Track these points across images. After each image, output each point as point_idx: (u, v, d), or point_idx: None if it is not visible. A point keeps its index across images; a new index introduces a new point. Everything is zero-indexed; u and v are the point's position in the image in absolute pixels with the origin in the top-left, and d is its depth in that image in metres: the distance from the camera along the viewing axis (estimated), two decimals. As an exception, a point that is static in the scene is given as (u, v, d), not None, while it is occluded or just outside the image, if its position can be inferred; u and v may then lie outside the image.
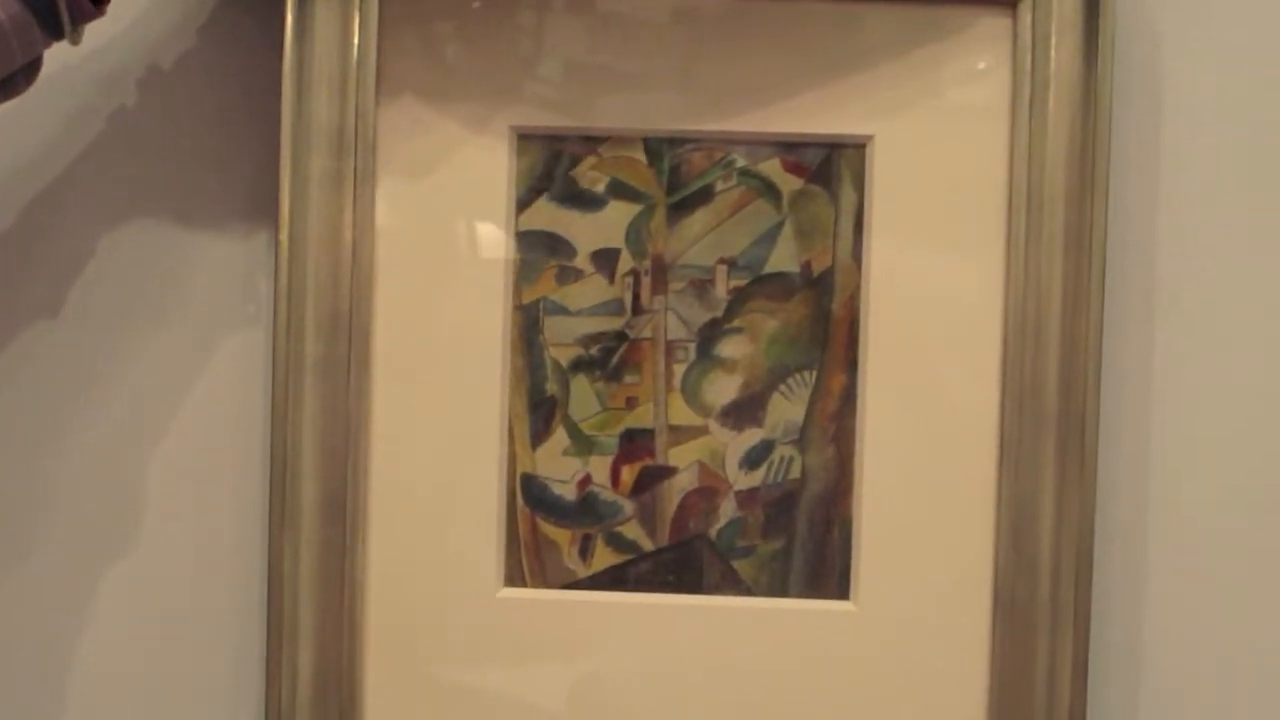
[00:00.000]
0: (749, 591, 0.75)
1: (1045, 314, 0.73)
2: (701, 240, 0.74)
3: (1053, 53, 0.72)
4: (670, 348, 0.74)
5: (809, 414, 0.75)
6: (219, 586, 0.76)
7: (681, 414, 0.75)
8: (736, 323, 0.75)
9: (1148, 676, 0.76)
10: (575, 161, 0.74)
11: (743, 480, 0.75)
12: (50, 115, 0.74)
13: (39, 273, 0.75)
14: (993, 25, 0.72)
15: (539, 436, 0.75)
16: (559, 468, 0.75)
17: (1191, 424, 0.76)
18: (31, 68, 0.62)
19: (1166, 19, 0.75)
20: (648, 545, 0.75)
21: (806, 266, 0.75)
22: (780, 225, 0.74)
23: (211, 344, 0.76)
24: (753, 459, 0.75)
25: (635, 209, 0.74)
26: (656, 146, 0.74)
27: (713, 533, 0.75)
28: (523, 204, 0.74)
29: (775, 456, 0.75)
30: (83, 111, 0.75)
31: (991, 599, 0.74)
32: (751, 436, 0.75)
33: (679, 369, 0.74)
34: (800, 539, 0.75)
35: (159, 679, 0.77)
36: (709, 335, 0.75)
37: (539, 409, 0.75)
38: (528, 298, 0.75)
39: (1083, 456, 0.72)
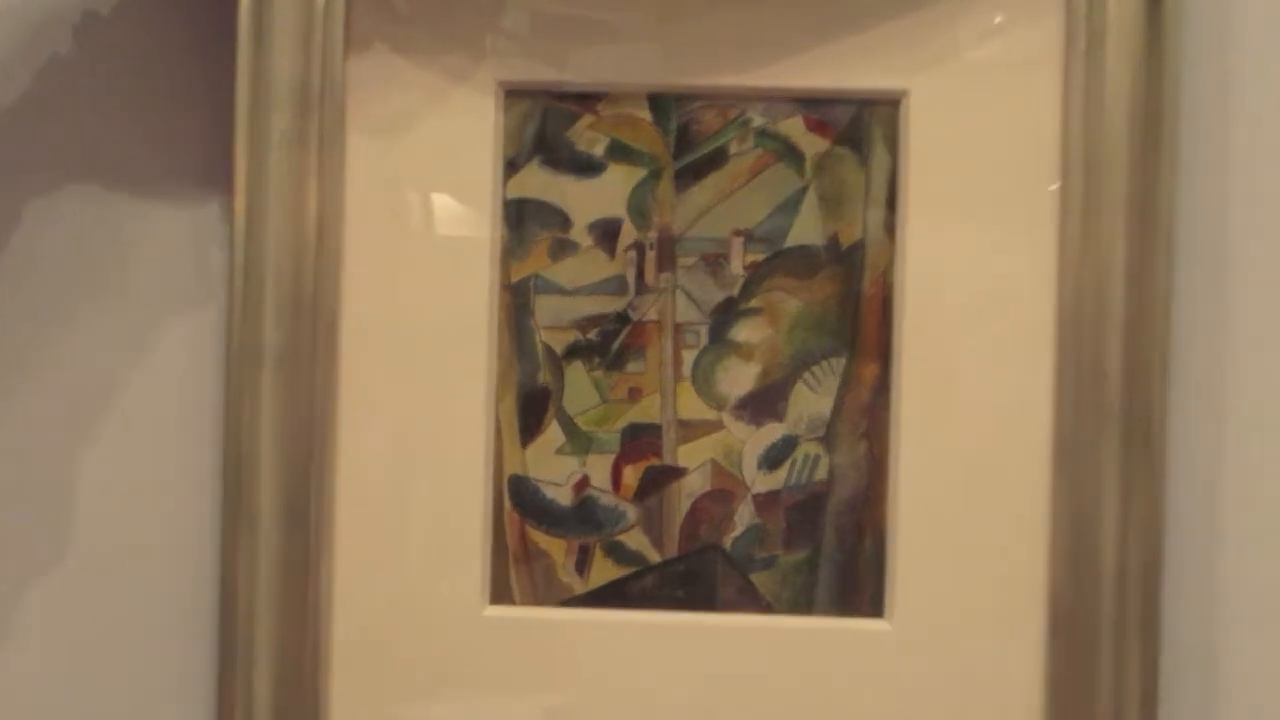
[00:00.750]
0: (769, 609, 0.74)
1: (1106, 293, 0.71)
2: (714, 209, 0.74)
3: (1112, -5, 0.71)
4: (679, 331, 0.74)
5: (837, 406, 0.74)
6: (163, 605, 0.75)
7: (692, 407, 0.74)
8: (754, 303, 0.74)
9: (1224, 706, 0.75)
10: (570, 120, 0.74)
11: (762, 482, 0.74)
12: (-30, 66, 0.75)
13: (-43, 246, 0.76)
14: (1044, -36, 0.73)
15: (529, 433, 0.74)
16: (552, 468, 0.74)
17: (1274, 418, 0.75)
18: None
19: (1241, -45, 0.74)
20: (653, 556, 0.74)
21: (833, 239, 0.74)
22: (803, 192, 0.73)
23: (155, 329, 0.75)
24: (773, 458, 0.74)
25: (639, 174, 0.74)
26: (663, 103, 0.73)
27: (727, 542, 0.74)
28: (511, 169, 0.74)
29: (798, 455, 0.74)
30: (8, 61, 0.74)
31: (1047, 619, 0.72)
32: (771, 432, 0.74)
33: (689, 355, 0.74)
34: (828, 549, 0.74)
35: (93, 712, 0.76)
36: (723, 317, 0.74)
37: (529, 402, 0.74)
38: (516, 275, 0.74)
39: (1150, 456, 0.71)
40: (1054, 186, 0.72)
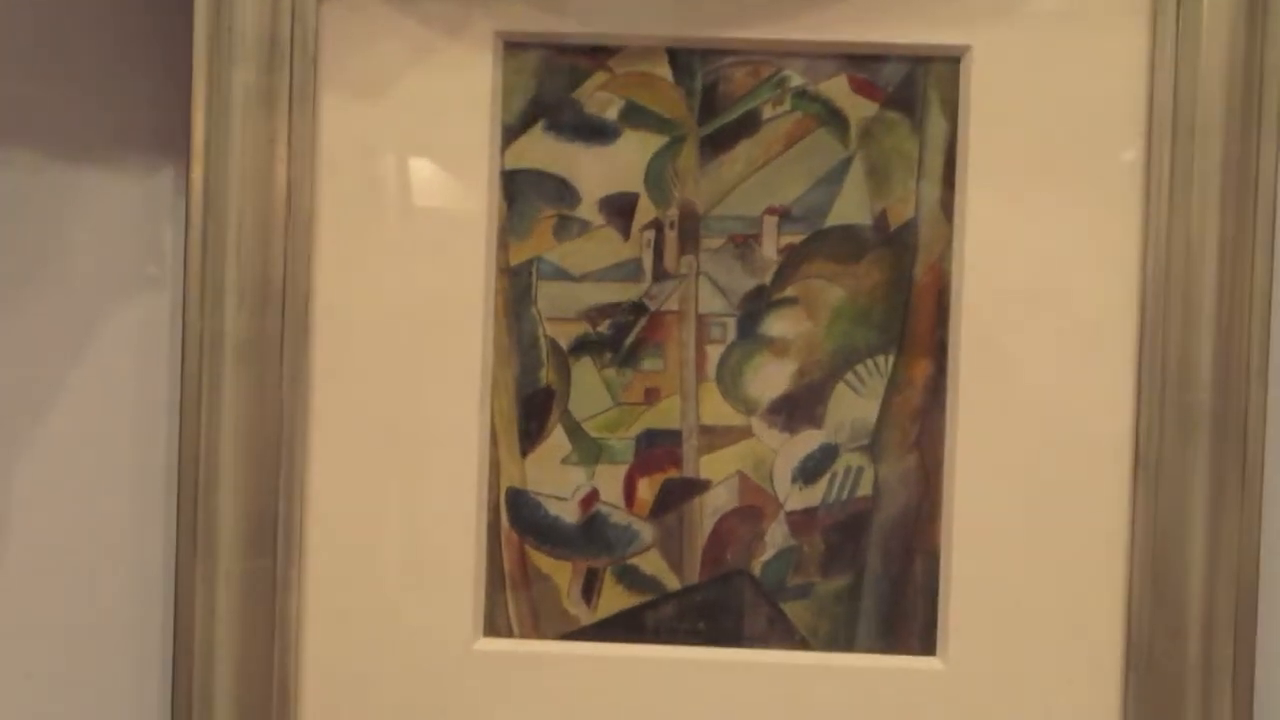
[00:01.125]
0: (805, 644, 0.72)
1: (1196, 282, 0.69)
2: (744, 183, 0.72)
3: (1209, -67, 0.70)
4: (703, 324, 0.72)
5: (883, 412, 0.72)
6: (109, 636, 0.74)
7: (717, 411, 0.72)
8: (789, 292, 0.72)
9: (1325, 759, 0.71)
10: (580, 79, 0.72)
11: (796, 498, 0.72)
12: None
13: (-121, 222, 0.74)
14: (1129, -103, 0.71)
15: (530, 440, 0.72)
16: (556, 480, 0.72)
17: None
18: None
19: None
20: (672, 583, 0.72)
21: (881, 218, 0.72)
22: (847, 164, 0.72)
23: (100, 317, 0.74)
24: (810, 470, 0.72)
25: (658, 142, 0.72)
26: (685, 60, 0.71)
27: (757, 566, 0.72)
28: (511, 135, 0.72)
29: (839, 467, 0.72)
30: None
31: (1123, 658, 0.70)
32: (808, 441, 0.72)
33: (714, 352, 0.72)
34: (872, 575, 0.72)
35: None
36: (753, 308, 0.72)
37: (530, 404, 0.72)
38: (517, 258, 0.72)
39: (1244, 471, 0.69)
40: (1130, 154, 0.69)
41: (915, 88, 0.71)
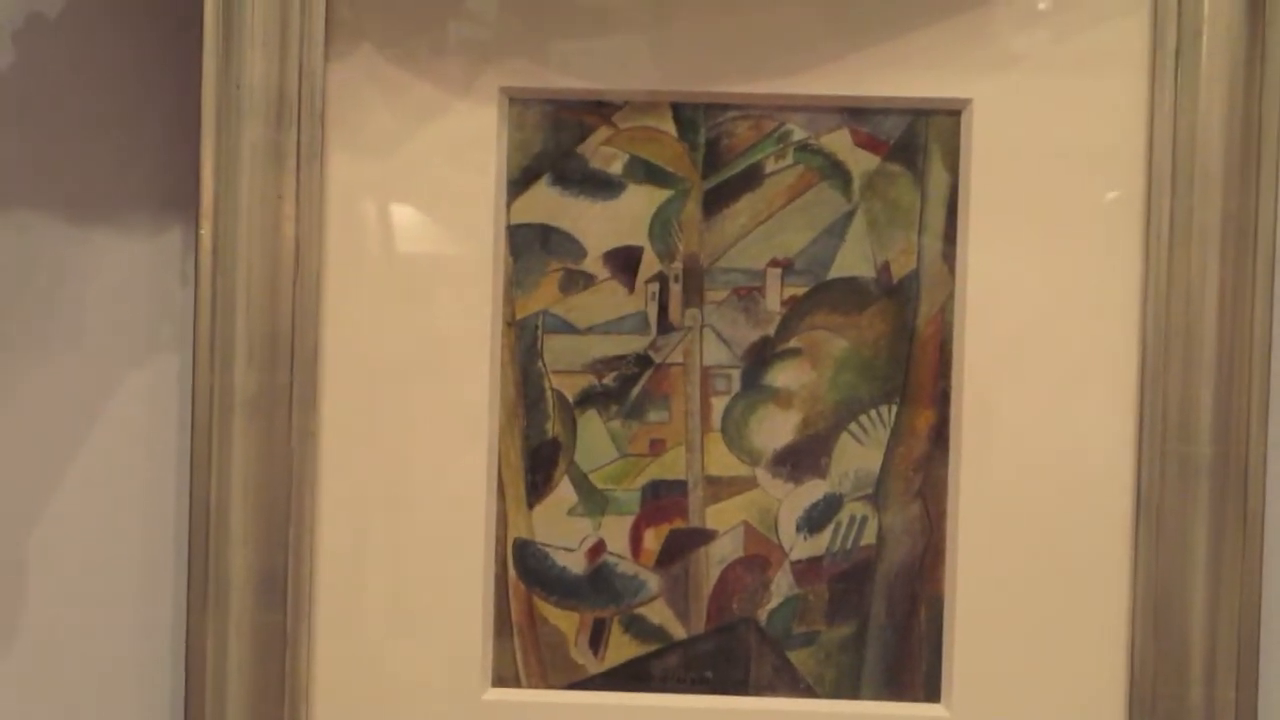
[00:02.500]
0: (810, 692, 0.72)
1: (1196, 331, 0.69)
2: (748, 236, 0.72)
3: (1206, -13, 0.70)
4: (707, 376, 0.72)
5: (887, 461, 0.72)
6: (121, 689, 0.74)
7: (722, 462, 0.72)
8: (793, 343, 0.72)
9: (1328, 808, 0.72)
10: (584, 134, 0.72)
11: (801, 547, 0.72)
12: (-96, 77, 0.73)
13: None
14: (1127, -48, 0.71)
15: (537, 491, 0.72)
16: (563, 531, 0.72)
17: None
18: None
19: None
20: (678, 632, 0.72)
21: (884, 270, 0.72)
22: (850, 216, 0.72)
23: (112, 375, 0.74)
24: (814, 520, 0.72)
25: (662, 195, 0.72)
26: (689, 114, 0.72)
27: (763, 615, 0.72)
28: (516, 189, 0.72)
29: (843, 516, 0.72)
30: (-57, 71, 0.73)
31: (1126, 704, 0.70)
32: (813, 491, 0.72)
33: (719, 403, 0.72)
34: (876, 624, 0.72)
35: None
36: (757, 359, 0.72)
37: (537, 456, 0.72)
38: (522, 311, 0.72)
39: (1245, 517, 0.69)
40: (1130, 204, 0.69)
41: (917, 140, 0.71)
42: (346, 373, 0.71)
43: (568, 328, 0.71)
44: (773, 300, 0.71)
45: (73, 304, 0.73)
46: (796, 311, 0.71)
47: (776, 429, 0.72)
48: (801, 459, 0.72)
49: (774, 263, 0.71)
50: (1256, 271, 0.68)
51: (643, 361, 0.72)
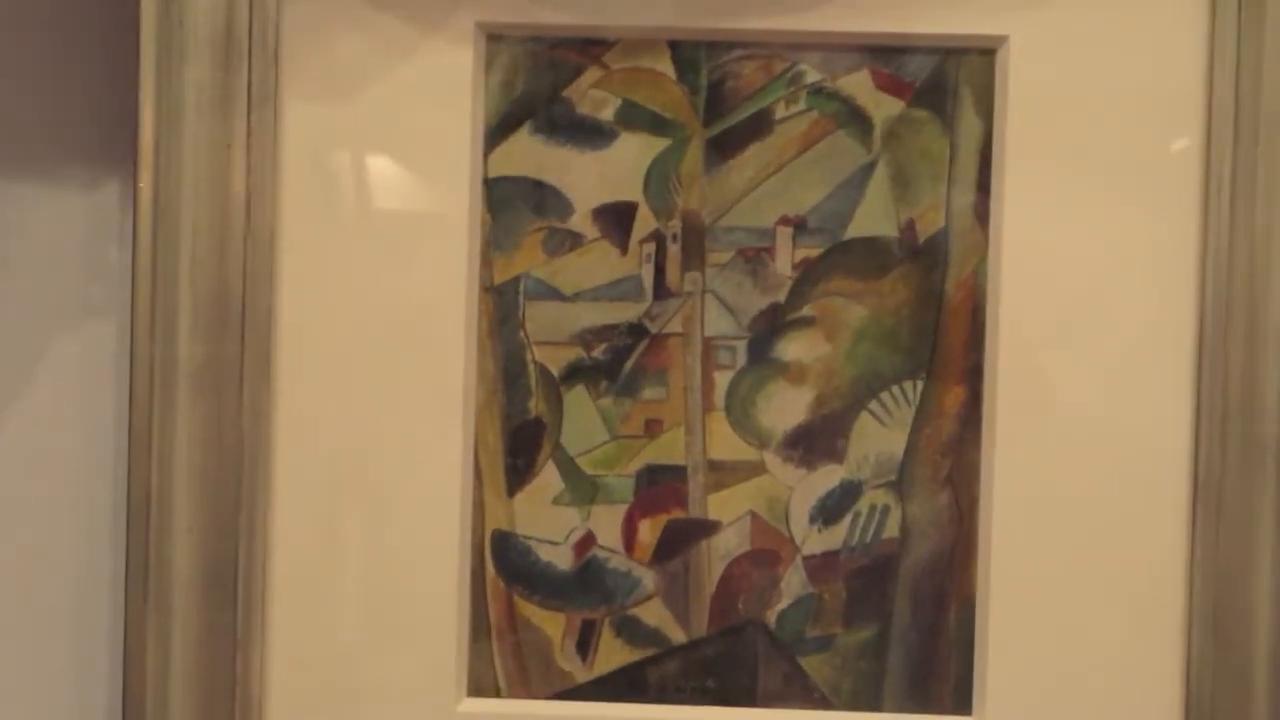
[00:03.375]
0: (825, 703, 0.71)
1: (1261, 296, 0.68)
2: (755, 191, 0.71)
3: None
4: (709, 348, 0.71)
5: (912, 444, 0.71)
6: (52, 696, 0.72)
7: (726, 444, 0.71)
8: (806, 311, 0.71)
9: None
10: (571, 76, 0.71)
11: (815, 541, 0.71)
12: None
13: None
14: None
15: (518, 478, 0.71)
16: (547, 522, 0.71)
17: None
18: None
19: None
20: (677, 635, 0.71)
21: (908, 228, 0.71)
22: (870, 169, 0.71)
23: (39, 345, 0.73)
24: (829, 510, 0.71)
25: (658, 145, 0.71)
26: (689, 54, 0.70)
27: (771, 617, 0.71)
28: (494, 138, 0.71)
29: (862, 506, 0.71)
30: None
31: (1182, 715, 0.69)
32: (828, 477, 0.71)
33: (722, 379, 0.71)
34: (899, 627, 0.71)
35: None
36: (766, 329, 0.71)
37: (518, 438, 0.71)
38: (502, 275, 0.71)
39: None
40: (1187, 153, 0.68)
41: (946, 83, 0.70)
42: (304, 343, 0.69)
43: (552, 294, 0.71)
44: (783, 263, 0.70)
45: (-2, 265, 0.70)
46: (809, 275, 0.70)
47: (787, 408, 0.71)
48: (815, 441, 0.71)
49: (784, 220, 0.70)
50: (1329, 228, 0.65)
51: (637, 331, 0.71)
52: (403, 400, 0.70)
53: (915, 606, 0.71)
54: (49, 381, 0.73)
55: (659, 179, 0.70)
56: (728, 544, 0.71)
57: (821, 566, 0.71)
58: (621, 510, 0.71)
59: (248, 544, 0.68)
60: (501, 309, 0.70)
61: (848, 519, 0.71)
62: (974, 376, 0.70)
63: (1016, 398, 0.69)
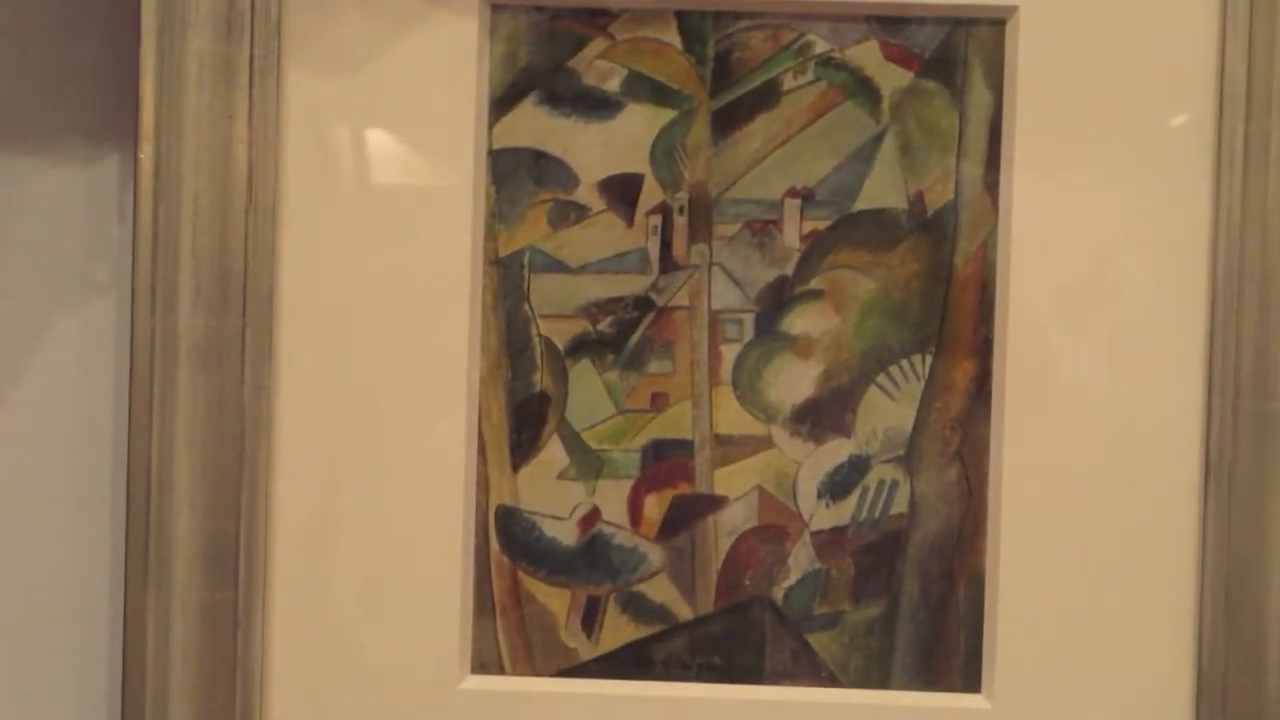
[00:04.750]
0: (833, 680, 0.71)
1: (1274, 270, 0.68)
2: (762, 162, 0.71)
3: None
4: (716, 321, 0.71)
5: (920, 419, 0.71)
6: (51, 674, 0.73)
7: (733, 418, 0.71)
8: (814, 284, 0.71)
9: None
10: (576, 46, 0.71)
11: (823, 516, 0.71)
12: None
13: None
14: None
15: (523, 452, 0.71)
16: (552, 498, 0.71)
17: None
18: None
19: None
20: (683, 612, 0.72)
21: (917, 201, 0.71)
22: (879, 140, 0.71)
23: (40, 321, 0.73)
24: (837, 485, 0.71)
25: (665, 116, 0.71)
26: (696, 24, 0.71)
27: (779, 594, 0.72)
28: (499, 109, 0.71)
29: (870, 481, 0.71)
30: None
31: (1194, 696, 0.69)
32: (836, 452, 0.71)
33: (729, 352, 0.71)
34: (908, 604, 0.71)
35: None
36: (773, 303, 0.71)
37: (523, 412, 0.71)
38: (507, 247, 0.71)
39: None
40: (1199, 128, 0.67)
41: (955, 53, 0.70)
42: (306, 317, 0.69)
43: (558, 266, 0.71)
44: (791, 235, 0.70)
45: (-3, 240, 0.70)
46: (817, 248, 0.70)
47: (795, 381, 0.71)
48: (823, 416, 0.71)
49: (792, 192, 0.70)
50: (1343, 202, 0.65)
51: (643, 304, 0.71)
52: (406, 374, 0.70)
53: (924, 583, 0.71)
54: (49, 356, 0.73)
55: (665, 151, 0.71)
56: (734, 519, 0.71)
57: (829, 542, 0.71)
58: (627, 485, 0.71)
59: (249, 521, 0.69)
60: (506, 282, 0.71)
61: (856, 494, 0.71)
62: (983, 350, 0.70)
63: (1026, 372, 0.70)
